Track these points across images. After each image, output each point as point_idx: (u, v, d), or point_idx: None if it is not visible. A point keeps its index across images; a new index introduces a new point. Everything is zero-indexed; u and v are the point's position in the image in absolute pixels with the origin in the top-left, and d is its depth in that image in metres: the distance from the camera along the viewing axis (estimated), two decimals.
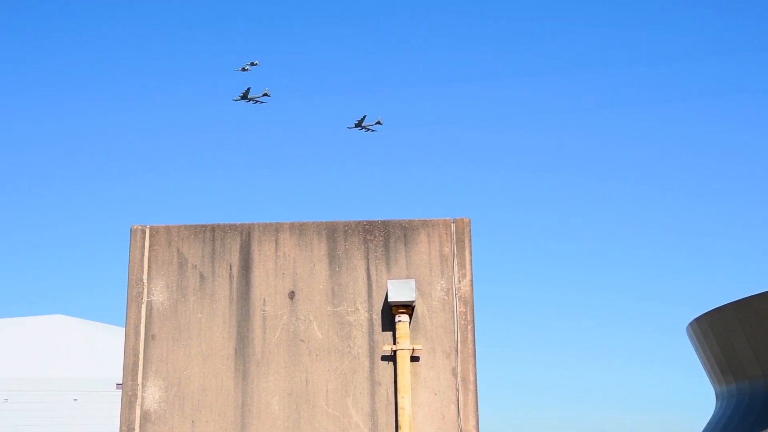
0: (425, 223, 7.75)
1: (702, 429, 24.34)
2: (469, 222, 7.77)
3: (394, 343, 7.33)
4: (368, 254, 7.66)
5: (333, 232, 7.73)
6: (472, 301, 7.55)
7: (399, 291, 7.26)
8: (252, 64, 72.68)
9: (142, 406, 7.26)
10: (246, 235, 7.73)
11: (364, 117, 68.25)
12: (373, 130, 70.32)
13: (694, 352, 24.56)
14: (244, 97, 70.01)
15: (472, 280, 7.61)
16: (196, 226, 7.77)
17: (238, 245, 7.70)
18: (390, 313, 7.43)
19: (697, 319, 22.59)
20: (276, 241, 7.70)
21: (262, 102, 70.39)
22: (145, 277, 7.59)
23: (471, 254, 7.68)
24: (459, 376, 7.31)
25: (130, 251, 7.67)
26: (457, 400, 7.25)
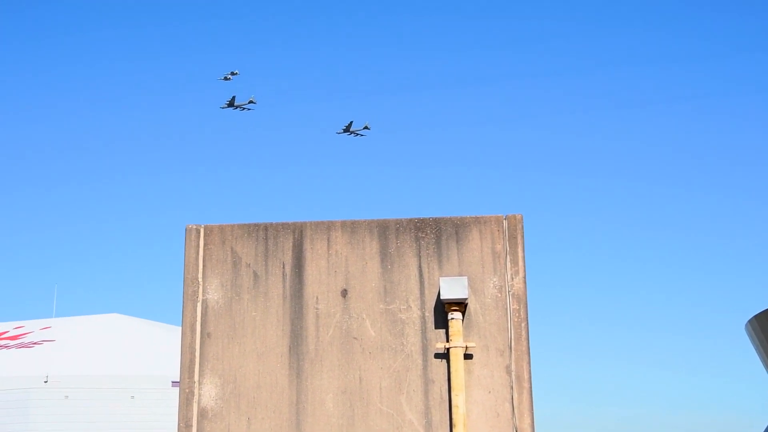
0: (477, 220, 7.71)
1: (765, 429, 23.73)
2: (522, 218, 7.70)
3: (447, 341, 7.30)
4: (420, 252, 7.65)
5: (384, 230, 7.74)
6: (526, 298, 7.48)
7: (451, 288, 7.23)
8: (233, 73, 73.86)
9: (199, 403, 7.37)
10: (298, 233, 7.78)
11: (351, 122, 69.39)
12: (361, 135, 71.22)
13: (753, 350, 23.96)
14: (231, 104, 71.17)
15: (525, 277, 7.54)
16: (249, 225, 7.85)
17: (291, 244, 7.75)
18: (443, 311, 7.41)
19: (756, 316, 22.05)
20: (328, 240, 7.74)
21: (248, 109, 71.54)
22: (200, 275, 7.69)
23: (524, 251, 7.61)
24: (513, 373, 7.25)
25: (185, 250, 7.78)
26: (512, 398, 7.20)
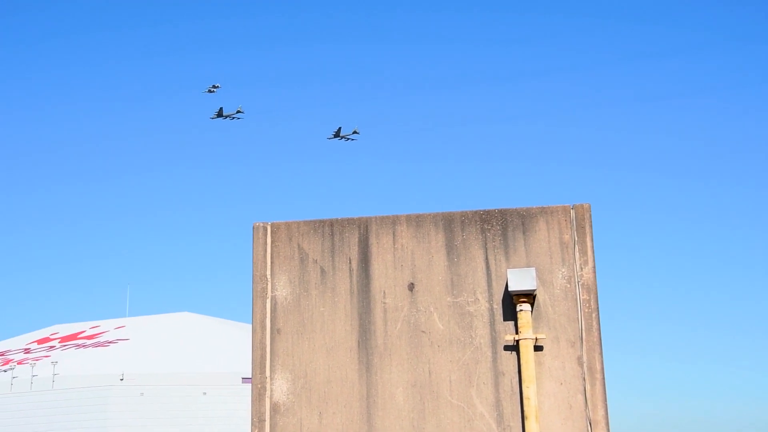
0: (543, 211, 7.61)
1: None
2: (589, 208, 7.58)
3: (517, 333, 7.24)
4: (486, 244, 7.59)
5: (450, 223, 7.71)
6: (596, 288, 7.36)
7: (519, 280, 7.16)
8: (214, 86, 75.50)
9: (271, 398, 7.47)
10: (364, 228, 7.82)
11: (340, 128, 70.37)
12: (352, 139, 71.97)
13: None
14: (219, 115, 72.93)
15: (594, 267, 7.42)
16: (315, 222, 7.92)
17: (357, 239, 7.79)
18: (511, 303, 7.35)
19: None
20: (393, 234, 7.75)
21: (237, 118, 73.44)
22: (268, 272, 7.80)
23: (592, 241, 7.49)
24: (585, 365, 7.15)
25: (253, 248, 7.90)
26: (584, 390, 7.09)
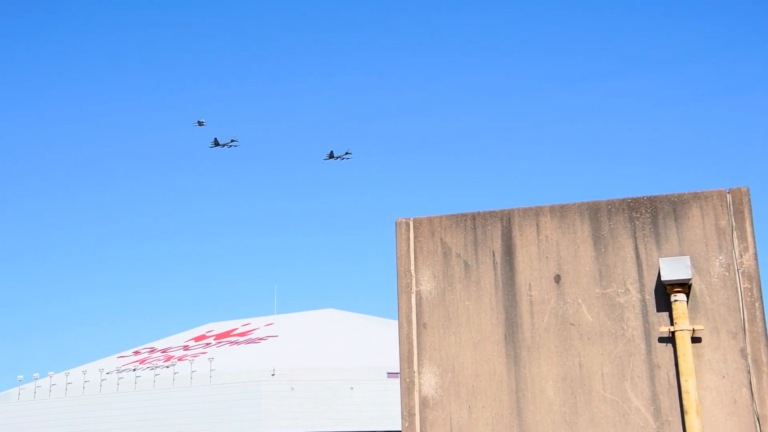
0: (696, 196, 7.25)
1: None
2: (748, 191, 7.15)
3: (672, 324, 6.94)
4: (635, 232, 7.32)
5: (596, 212, 7.49)
6: (758, 276, 6.93)
7: (673, 269, 6.85)
8: (200, 123, 77.24)
9: (420, 392, 7.53)
10: (506, 220, 7.73)
11: (332, 151, 73.59)
12: (346, 159, 74.79)
13: None
14: (216, 144, 75.00)
15: (756, 254, 6.99)
16: (457, 216, 7.91)
17: (500, 231, 7.72)
18: (664, 293, 7.05)
19: None
20: (537, 225, 7.62)
21: (235, 146, 76.07)
22: (412, 267, 7.86)
23: (752, 226, 7.06)
24: (749, 357, 6.75)
25: (396, 244, 7.99)
26: (750, 383, 6.70)
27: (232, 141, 76.14)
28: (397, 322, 7.90)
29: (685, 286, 6.92)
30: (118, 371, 57.01)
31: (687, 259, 6.87)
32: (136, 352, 65.75)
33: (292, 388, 48.55)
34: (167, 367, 55.37)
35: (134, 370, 56.78)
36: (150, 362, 59.20)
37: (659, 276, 7.06)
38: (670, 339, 6.95)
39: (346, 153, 74.47)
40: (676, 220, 7.24)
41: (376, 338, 56.46)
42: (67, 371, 59.23)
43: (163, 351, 63.22)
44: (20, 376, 59.69)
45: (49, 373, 59.19)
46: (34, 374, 58.81)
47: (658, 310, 7.07)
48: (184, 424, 50.09)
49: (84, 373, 57.48)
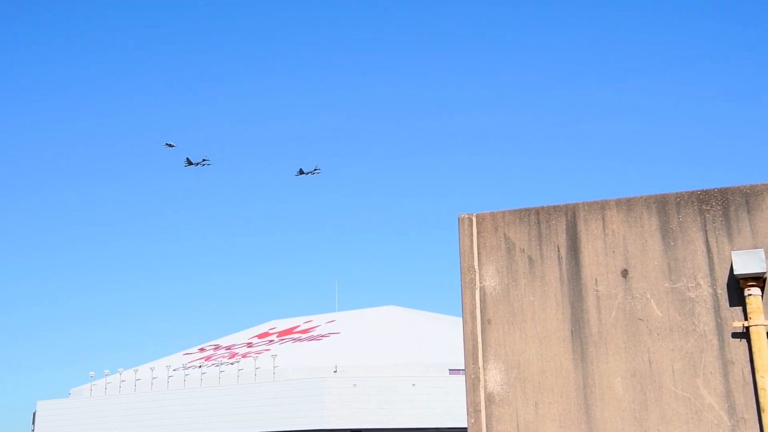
0: None
1: None
2: None
3: (746, 319, 6.74)
4: (705, 225, 7.14)
5: (664, 205, 7.33)
6: None
7: (746, 262, 6.66)
8: (169, 144, 79.28)
9: (485, 388, 7.49)
10: (571, 215, 7.62)
11: (301, 169, 78.72)
12: (316, 174, 79.45)
13: None
14: (189, 163, 77.86)
15: None
16: (520, 211, 7.83)
17: (564, 226, 7.61)
18: (737, 287, 6.85)
19: None
20: (603, 219, 7.49)
21: (208, 164, 78.69)
22: (475, 263, 7.81)
23: None
24: None
25: (459, 239, 7.95)
26: None
27: (204, 160, 79.54)
28: (458, 318, 7.88)
29: (759, 280, 6.72)
30: (185, 368, 58.24)
31: (761, 252, 6.66)
32: (202, 349, 67.06)
33: (354, 385, 48.84)
34: (232, 364, 56.32)
35: (200, 366, 57.92)
36: (215, 359, 60.31)
37: (731, 270, 6.87)
38: (745, 334, 6.76)
39: (315, 169, 78.96)
40: (749, 212, 7.03)
41: (437, 335, 56.35)
42: (136, 368, 60.78)
43: (228, 348, 64.31)
44: (92, 373, 61.51)
45: (119, 369, 60.85)
46: (105, 371, 60.53)
47: (730, 305, 6.88)
48: (248, 420, 50.88)
49: (152, 369, 58.88)
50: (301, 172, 78.16)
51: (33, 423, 62.08)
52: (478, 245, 7.87)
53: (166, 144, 79.21)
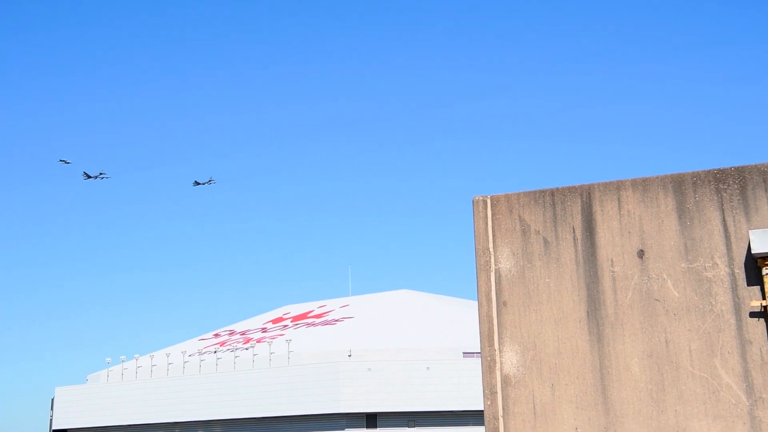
0: None
1: None
2: None
3: (764, 299, 6.70)
4: (722, 204, 7.08)
5: (680, 185, 7.27)
6: None
7: (764, 241, 6.61)
8: (63, 161, 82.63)
9: (501, 370, 7.49)
10: (586, 196, 7.58)
11: (195, 180, 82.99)
12: (211, 184, 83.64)
13: None
14: (88, 177, 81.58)
15: None
16: (535, 192, 7.80)
17: (579, 207, 7.58)
18: (755, 266, 6.81)
19: None
20: (618, 200, 7.45)
21: (106, 177, 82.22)
22: (490, 245, 7.80)
23: None
24: None
25: (474, 222, 7.93)
26: None
27: (210, 181, 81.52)
28: (472, 301, 7.90)
29: None
30: (200, 353, 58.60)
31: None
32: (216, 335, 67.43)
33: (369, 369, 49.00)
34: (246, 349, 56.60)
35: (215, 352, 58.25)
36: (230, 344, 60.63)
37: (749, 249, 6.82)
38: (762, 314, 6.72)
39: (209, 180, 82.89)
40: (766, 190, 6.97)
41: (451, 318, 56.41)
42: (152, 354, 61.23)
43: (242, 333, 64.62)
44: (108, 359, 62.00)
45: (135, 355, 61.30)
46: (122, 357, 61.01)
47: (748, 284, 6.84)
48: (263, 404, 51.17)
49: (168, 355, 59.27)
50: (196, 183, 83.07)
51: (51, 409, 62.76)
52: (492, 227, 7.85)
53: (61, 160, 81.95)
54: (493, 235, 7.82)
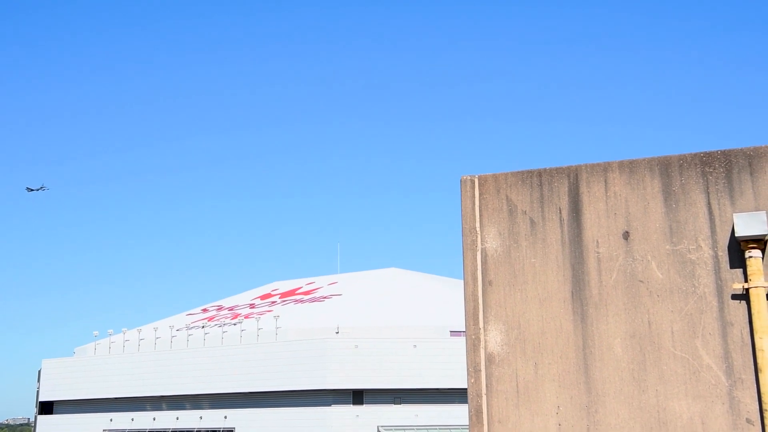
0: None
1: None
2: None
3: (746, 281, 6.77)
4: (708, 188, 7.13)
5: (666, 168, 7.31)
6: None
7: (747, 224, 6.67)
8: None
9: (485, 349, 7.55)
10: (573, 177, 7.61)
11: (27, 186, 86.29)
12: (42, 190, 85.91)
13: None
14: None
15: None
16: (522, 173, 7.82)
17: (566, 188, 7.61)
18: (738, 249, 6.87)
19: None
20: (605, 181, 7.49)
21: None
22: (477, 225, 7.83)
23: None
24: None
25: (461, 201, 7.95)
26: None
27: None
28: (459, 280, 7.93)
29: (760, 242, 6.73)
30: (188, 328, 58.71)
31: (763, 215, 6.67)
32: (204, 310, 67.49)
33: (356, 346, 49.21)
34: (234, 324, 56.70)
35: (203, 327, 58.33)
36: (218, 320, 60.72)
37: (733, 232, 6.88)
38: (744, 296, 6.79)
39: (41, 187, 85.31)
40: (751, 174, 7.02)
41: (438, 297, 56.64)
42: (139, 328, 61.26)
43: (230, 309, 64.70)
44: (96, 332, 62.00)
45: (123, 329, 61.32)
46: (109, 330, 61.05)
47: (731, 267, 6.91)
48: (250, 380, 51.36)
49: (155, 329, 59.31)
50: (29, 189, 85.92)
51: (38, 381, 62.79)
52: (480, 207, 7.87)
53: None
54: (480, 215, 7.85)
